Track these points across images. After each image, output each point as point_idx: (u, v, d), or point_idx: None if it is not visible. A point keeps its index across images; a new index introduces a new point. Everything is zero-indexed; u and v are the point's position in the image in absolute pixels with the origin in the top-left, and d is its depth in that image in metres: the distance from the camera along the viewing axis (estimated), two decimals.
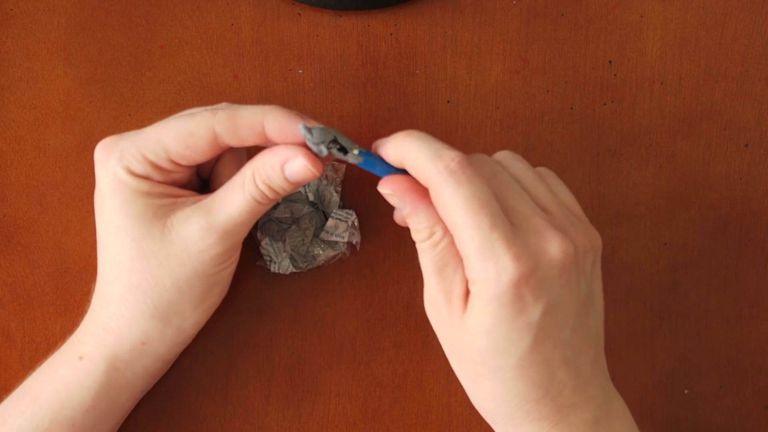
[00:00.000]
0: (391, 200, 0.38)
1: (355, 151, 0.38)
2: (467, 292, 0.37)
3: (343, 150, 0.38)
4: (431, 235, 0.37)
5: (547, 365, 0.37)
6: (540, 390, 0.37)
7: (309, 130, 0.37)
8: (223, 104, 0.41)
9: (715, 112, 0.48)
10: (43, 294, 0.46)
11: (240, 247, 0.41)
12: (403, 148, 0.37)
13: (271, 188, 0.38)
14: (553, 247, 0.36)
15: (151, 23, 0.47)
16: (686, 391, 0.48)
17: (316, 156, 0.38)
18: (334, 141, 0.37)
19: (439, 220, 0.37)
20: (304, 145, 0.38)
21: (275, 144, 0.39)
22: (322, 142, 0.37)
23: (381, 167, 0.38)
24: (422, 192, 0.37)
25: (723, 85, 0.48)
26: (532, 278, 0.35)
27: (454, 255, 0.37)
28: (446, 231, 0.37)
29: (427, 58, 0.48)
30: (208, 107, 0.40)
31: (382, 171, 0.38)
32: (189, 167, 0.40)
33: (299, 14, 0.47)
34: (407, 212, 0.38)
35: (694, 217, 0.48)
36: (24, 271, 0.46)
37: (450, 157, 0.36)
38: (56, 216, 0.47)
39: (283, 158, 0.38)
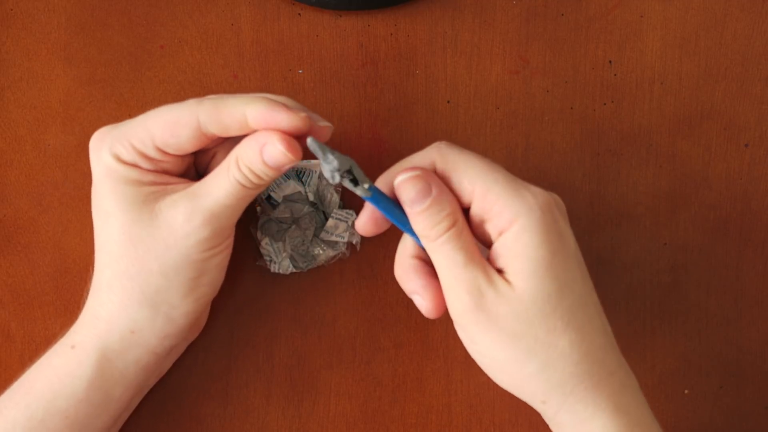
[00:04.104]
0: (412, 189, 0.38)
1: (366, 185, 0.38)
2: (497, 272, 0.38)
3: (354, 181, 0.38)
4: (454, 222, 0.38)
5: (596, 306, 0.39)
6: (604, 336, 0.39)
7: (324, 150, 0.37)
8: (213, 95, 0.41)
9: (715, 112, 0.48)
10: (43, 294, 0.46)
11: (231, 235, 0.41)
12: (397, 167, 0.40)
13: (253, 173, 0.38)
14: (554, 194, 0.39)
15: (151, 23, 0.47)
16: (686, 391, 0.48)
17: (294, 140, 0.38)
18: (348, 171, 0.38)
19: (459, 208, 0.39)
20: (295, 134, 0.38)
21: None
22: (337, 170, 0.37)
23: (386, 204, 0.39)
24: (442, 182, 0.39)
25: (723, 85, 0.48)
26: (555, 206, 0.38)
27: (473, 242, 0.39)
28: (464, 218, 0.39)
29: (427, 58, 0.48)
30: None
31: (387, 208, 0.39)
32: (178, 156, 0.40)
33: (299, 14, 0.47)
34: (432, 197, 0.38)
35: (694, 217, 0.48)
36: (24, 271, 0.46)
37: (436, 144, 0.40)
38: (56, 216, 0.47)
39: (261, 142, 0.38)
